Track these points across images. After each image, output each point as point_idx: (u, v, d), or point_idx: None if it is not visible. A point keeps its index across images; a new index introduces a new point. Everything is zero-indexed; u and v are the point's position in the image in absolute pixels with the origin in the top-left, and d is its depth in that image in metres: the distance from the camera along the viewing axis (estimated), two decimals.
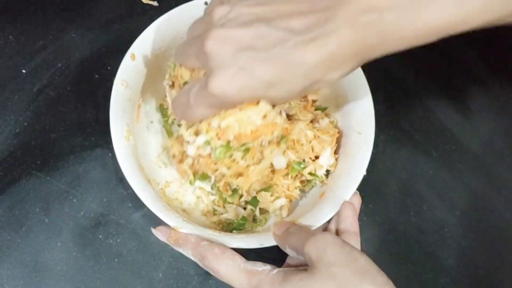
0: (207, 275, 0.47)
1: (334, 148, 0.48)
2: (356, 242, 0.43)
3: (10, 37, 0.54)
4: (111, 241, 0.48)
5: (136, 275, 0.47)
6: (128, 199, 0.49)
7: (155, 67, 0.48)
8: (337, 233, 0.44)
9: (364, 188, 0.48)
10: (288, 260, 0.43)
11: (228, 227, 0.47)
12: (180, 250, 0.43)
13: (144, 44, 0.46)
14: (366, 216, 0.51)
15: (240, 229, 0.47)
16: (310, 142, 0.48)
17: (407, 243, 0.50)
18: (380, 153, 0.53)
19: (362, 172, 0.44)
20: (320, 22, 0.33)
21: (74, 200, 0.49)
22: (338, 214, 0.44)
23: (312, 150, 0.48)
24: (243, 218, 0.47)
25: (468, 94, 0.57)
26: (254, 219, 0.48)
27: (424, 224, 0.51)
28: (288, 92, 0.35)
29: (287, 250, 0.40)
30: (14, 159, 0.49)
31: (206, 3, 0.47)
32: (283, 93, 0.35)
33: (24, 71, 0.53)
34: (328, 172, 0.48)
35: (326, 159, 0.48)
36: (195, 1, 0.47)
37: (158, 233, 0.43)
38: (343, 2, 0.33)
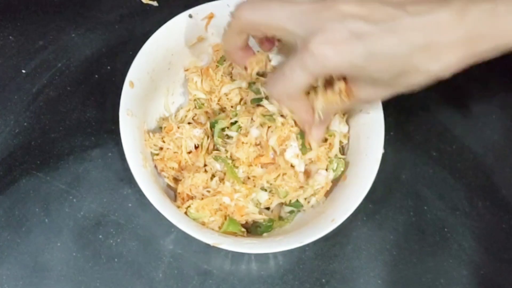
0: (207, 275, 0.47)
1: (344, 116, 0.48)
2: None
3: (10, 37, 0.54)
4: (111, 241, 0.48)
5: (136, 275, 0.47)
6: (128, 199, 0.49)
7: (152, 88, 0.48)
8: None
9: None
10: None
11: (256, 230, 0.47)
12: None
13: (138, 69, 0.46)
14: (366, 216, 0.50)
15: (269, 231, 0.47)
16: None
17: (407, 243, 0.50)
18: None
19: (380, 150, 0.44)
20: (430, 6, 0.34)
21: (74, 200, 0.49)
22: None
23: None
24: (270, 220, 0.47)
25: (469, 94, 0.57)
26: (280, 217, 0.48)
27: (424, 224, 0.51)
28: (385, 70, 0.36)
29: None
30: (14, 159, 0.49)
31: (190, 16, 0.48)
32: (379, 70, 0.36)
33: (24, 71, 0.53)
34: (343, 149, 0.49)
35: (336, 127, 0.48)
36: (177, 17, 0.48)
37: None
38: None
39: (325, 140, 0.48)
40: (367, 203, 0.51)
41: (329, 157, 0.47)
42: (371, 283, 0.48)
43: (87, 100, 0.52)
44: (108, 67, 0.53)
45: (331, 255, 0.49)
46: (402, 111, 0.55)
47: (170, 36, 0.48)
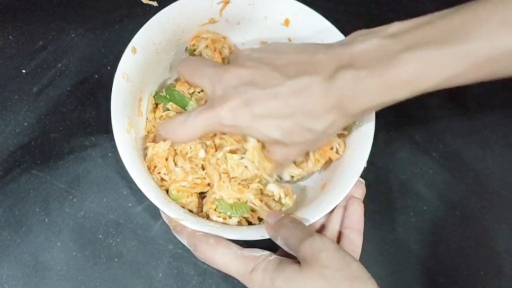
0: (206, 275, 0.47)
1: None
2: (358, 239, 0.44)
3: (10, 37, 0.54)
4: (111, 241, 0.48)
5: (136, 275, 0.47)
6: (128, 198, 0.49)
7: (156, 60, 0.48)
8: (341, 226, 0.45)
9: None
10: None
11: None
12: (178, 237, 0.44)
13: (145, 37, 0.46)
14: (365, 216, 0.50)
15: None
16: None
17: (406, 243, 0.50)
18: (380, 153, 0.53)
19: (363, 164, 0.44)
20: (307, 72, 0.40)
21: (74, 199, 0.49)
22: (346, 207, 0.45)
23: None
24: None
25: (469, 94, 0.57)
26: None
27: (424, 224, 0.51)
28: (274, 128, 0.41)
29: (279, 242, 0.40)
30: (14, 159, 0.49)
31: None
32: (269, 129, 0.41)
33: (24, 71, 0.53)
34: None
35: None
36: None
37: (163, 214, 0.44)
38: (329, 58, 0.40)
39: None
40: (367, 203, 0.51)
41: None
42: None
43: (87, 100, 0.52)
44: (108, 67, 0.53)
45: None
46: (402, 111, 0.55)
47: (182, 13, 0.47)
